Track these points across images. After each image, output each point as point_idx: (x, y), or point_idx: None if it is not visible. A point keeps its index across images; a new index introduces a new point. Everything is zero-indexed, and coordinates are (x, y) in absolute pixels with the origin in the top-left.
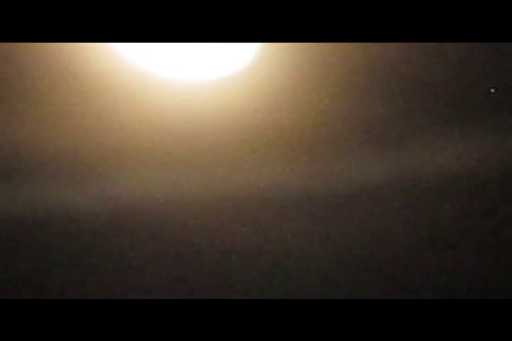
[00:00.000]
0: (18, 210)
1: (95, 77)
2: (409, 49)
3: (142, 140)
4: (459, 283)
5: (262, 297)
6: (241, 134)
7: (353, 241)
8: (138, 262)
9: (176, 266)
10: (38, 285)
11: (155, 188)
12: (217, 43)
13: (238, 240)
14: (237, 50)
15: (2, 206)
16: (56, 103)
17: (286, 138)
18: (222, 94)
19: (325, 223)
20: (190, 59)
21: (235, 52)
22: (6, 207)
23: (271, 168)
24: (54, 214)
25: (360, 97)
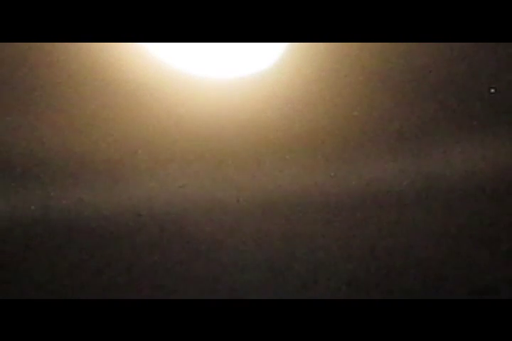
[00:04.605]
0: (52, 212)
1: (123, 75)
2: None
3: (171, 138)
4: (479, 287)
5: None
6: (266, 133)
7: (374, 244)
8: (162, 264)
9: (196, 267)
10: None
11: (177, 188)
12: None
13: (266, 241)
14: (265, 48)
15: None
16: (85, 104)
17: (309, 139)
18: (248, 92)
19: (344, 226)
20: (217, 56)
21: (263, 50)
22: (37, 208)
23: (293, 169)
24: (85, 216)
25: (392, 98)
